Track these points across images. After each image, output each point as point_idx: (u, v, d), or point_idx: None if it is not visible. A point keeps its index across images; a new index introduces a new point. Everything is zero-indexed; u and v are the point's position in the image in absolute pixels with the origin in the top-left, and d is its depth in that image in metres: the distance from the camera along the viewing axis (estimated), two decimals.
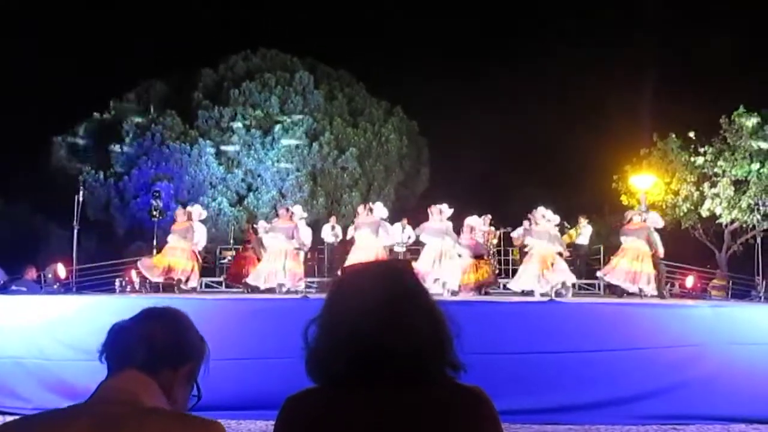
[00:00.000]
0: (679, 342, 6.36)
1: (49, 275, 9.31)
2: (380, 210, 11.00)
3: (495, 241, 14.24)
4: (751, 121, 17.19)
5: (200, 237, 10.70)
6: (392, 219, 15.24)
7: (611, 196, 18.89)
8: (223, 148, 19.67)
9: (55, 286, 9.03)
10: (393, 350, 1.21)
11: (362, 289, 1.27)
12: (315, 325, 1.28)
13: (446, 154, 22.02)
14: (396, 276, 1.31)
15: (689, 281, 10.81)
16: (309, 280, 12.25)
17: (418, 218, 13.44)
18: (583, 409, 6.06)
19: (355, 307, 1.24)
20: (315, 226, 14.93)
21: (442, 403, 1.22)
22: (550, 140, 21.36)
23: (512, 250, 15.01)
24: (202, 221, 11.09)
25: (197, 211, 10.96)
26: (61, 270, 9.23)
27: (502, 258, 15.21)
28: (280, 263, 10.21)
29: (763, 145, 17.01)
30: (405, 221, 14.39)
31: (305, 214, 12.32)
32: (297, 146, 19.84)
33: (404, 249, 13.89)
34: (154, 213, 11.40)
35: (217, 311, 6.59)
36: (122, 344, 1.38)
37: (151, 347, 1.37)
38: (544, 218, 10.35)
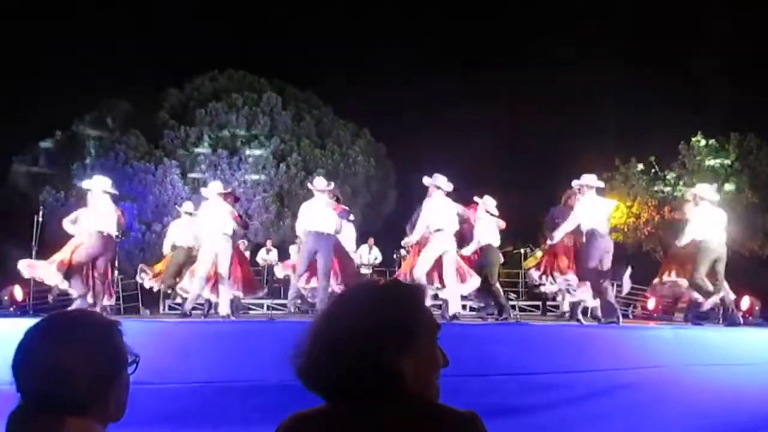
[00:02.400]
0: (640, 364, 6.45)
1: (5, 298, 9.01)
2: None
3: None
4: (709, 147, 17.79)
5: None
6: (359, 241, 15.27)
7: None
8: (189, 164, 19.46)
9: (11, 309, 8.75)
10: (379, 372, 1.21)
11: (360, 306, 1.28)
12: (309, 333, 1.30)
13: (415, 176, 22.13)
14: (393, 298, 1.31)
15: (651, 303, 10.97)
16: (276, 302, 12.12)
17: (384, 240, 13.49)
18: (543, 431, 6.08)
19: (345, 323, 1.26)
20: (282, 247, 14.84)
21: (438, 426, 1.23)
22: (513, 165, 21.68)
23: None
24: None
25: (104, 186, 7.94)
26: (18, 292, 8.95)
27: None
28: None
29: (719, 170, 17.58)
30: (371, 241, 14.46)
31: (229, 189, 9.15)
32: (264, 167, 19.75)
33: (370, 270, 13.91)
34: (117, 234, 11.15)
35: (178, 334, 6.46)
36: (37, 383, 1.18)
37: (73, 388, 1.18)
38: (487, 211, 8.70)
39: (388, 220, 20.54)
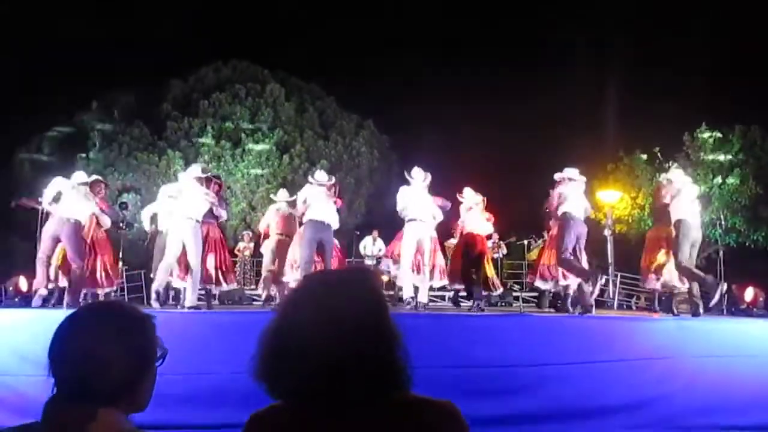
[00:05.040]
0: (644, 356, 6.44)
1: (10, 288, 9.06)
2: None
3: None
4: (713, 138, 17.70)
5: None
6: (363, 232, 15.29)
7: None
8: (192, 156, 19.43)
9: (16, 300, 8.79)
10: (349, 367, 1.16)
11: (316, 301, 1.22)
12: (266, 336, 1.24)
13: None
14: (355, 288, 1.25)
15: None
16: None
17: (387, 232, 13.47)
18: (549, 423, 6.09)
19: (306, 320, 1.19)
20: None
21: (410, 419, 1.19)
22: (518, 157, 21.62)
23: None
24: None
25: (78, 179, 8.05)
26: (23, 283, 8.99)
27: None
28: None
29: (723, 161, 17.50)
30: (376, 233, 14.48)
31: (208, 173, 8.83)
32: (267, 158, 19.73)
33: (374, 261, 13.92)
34: (121, 225, 11.16)
35: (196, 324, 6.47)
36: (73, 372, 1.18)
37: (107, 378, 1.18)
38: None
39: (391, 212, 20.50)
